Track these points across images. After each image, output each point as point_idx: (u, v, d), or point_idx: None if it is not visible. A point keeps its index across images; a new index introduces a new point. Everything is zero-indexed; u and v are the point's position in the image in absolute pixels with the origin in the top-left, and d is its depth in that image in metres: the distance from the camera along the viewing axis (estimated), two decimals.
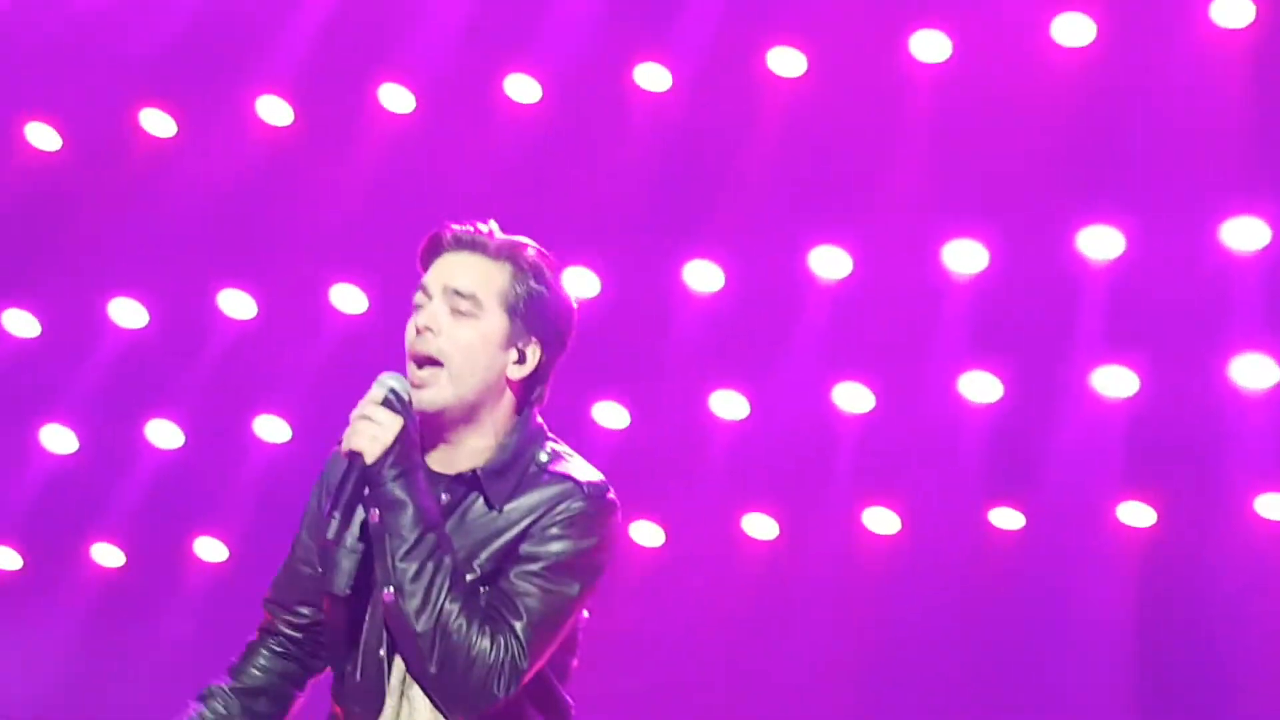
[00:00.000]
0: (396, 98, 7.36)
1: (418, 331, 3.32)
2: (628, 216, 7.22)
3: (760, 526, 7.27)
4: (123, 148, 7.64)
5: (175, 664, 7.41)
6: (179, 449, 7.78)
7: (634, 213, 7.21)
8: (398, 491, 3.21)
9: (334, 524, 3.23)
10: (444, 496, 3.33)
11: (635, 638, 7.13)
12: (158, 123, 7.61)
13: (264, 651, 3.63)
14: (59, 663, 7.79)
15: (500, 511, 3.32)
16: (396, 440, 3.21)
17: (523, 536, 3.31)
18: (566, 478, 3.36)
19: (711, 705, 7.27)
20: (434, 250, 3.40)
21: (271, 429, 7.72)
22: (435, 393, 3.29)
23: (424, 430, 3.33)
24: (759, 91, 7.04)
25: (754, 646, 7.23)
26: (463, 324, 3.29)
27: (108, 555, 7.90)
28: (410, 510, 3.21)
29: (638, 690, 7.10)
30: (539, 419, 3.46)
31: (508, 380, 3.33)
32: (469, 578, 3.28)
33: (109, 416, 7.80)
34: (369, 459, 3.20)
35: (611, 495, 3.39)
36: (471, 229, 3.37)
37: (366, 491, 3.24)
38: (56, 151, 7.66)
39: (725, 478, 7.23)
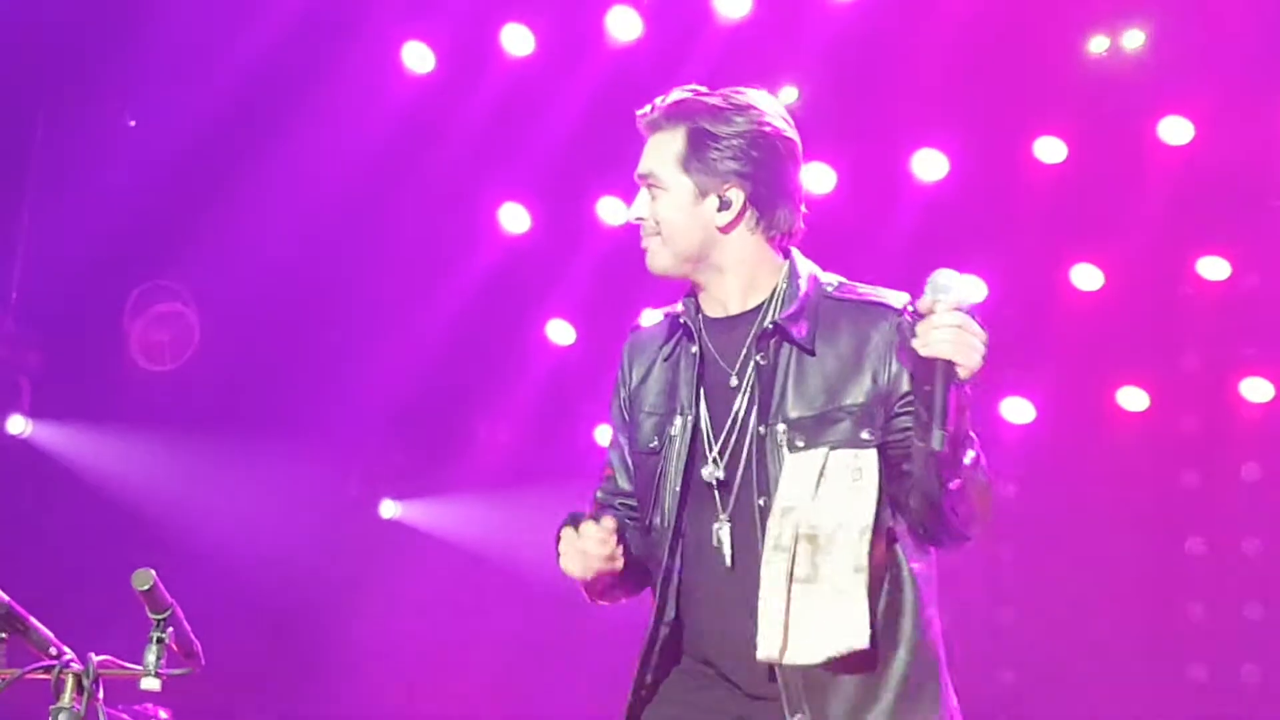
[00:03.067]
0: None
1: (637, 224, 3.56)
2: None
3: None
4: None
5: None
6: None
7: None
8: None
9: (938, 435, 3.16)
10: (759, 359, 3.40)
11: None
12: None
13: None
14: None
15: (815, 354, 3.40)
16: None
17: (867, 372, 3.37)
18: (873, 302, 3.44)
19: None
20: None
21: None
22: (654, 259, 3.54)
23: (689, 293, 3.54)
24: None
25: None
26: (656, 201, 3.51)
27: None
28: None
29: None
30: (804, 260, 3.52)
31: (723, 228, 3.44)
32: (841, 425, 3.33)
33: None
34: (968, 374, 3.19)
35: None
36: (647, 110, 3.54)
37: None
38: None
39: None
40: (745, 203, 3.45)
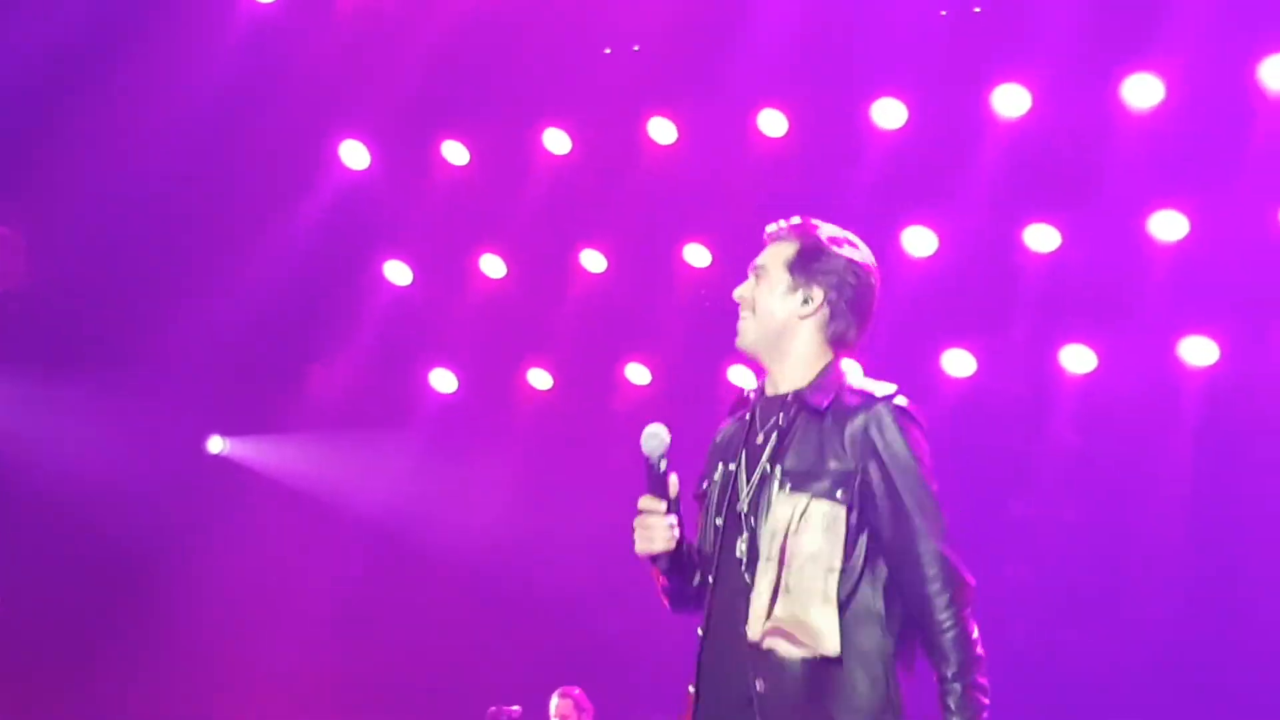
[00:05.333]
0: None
1: (739, 301, 4.33)
2: None
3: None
4: None
5: None
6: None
7: None
8: None
9: None
10: (780, 416, 4.20)
11: None
12: None
13: None
14: None
15: (822, 424, 4.15)
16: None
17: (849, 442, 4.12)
18: (864, 392, 4.15)
19: None
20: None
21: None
22: (744, 334, 4.29)
23: (757, 366, 4.33)
24: None
25: None
26: (759, 285, 4.28)
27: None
28: None
29: None
30: (849, 361, 4.25)
31: (800, 318, 4.24)
32: (822, 483, 4.10)
33: None
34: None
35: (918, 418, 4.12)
36: (776, 227, 4.34)
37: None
38: None
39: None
40: (823, 302, 4.23)
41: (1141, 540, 7.93)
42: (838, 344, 4.22)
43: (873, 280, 4.28)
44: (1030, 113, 7.64)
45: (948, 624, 4.00)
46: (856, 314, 4.25)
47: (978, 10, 7.57)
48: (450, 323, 9.27)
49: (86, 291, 9.02)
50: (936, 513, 4.01)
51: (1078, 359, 8.03)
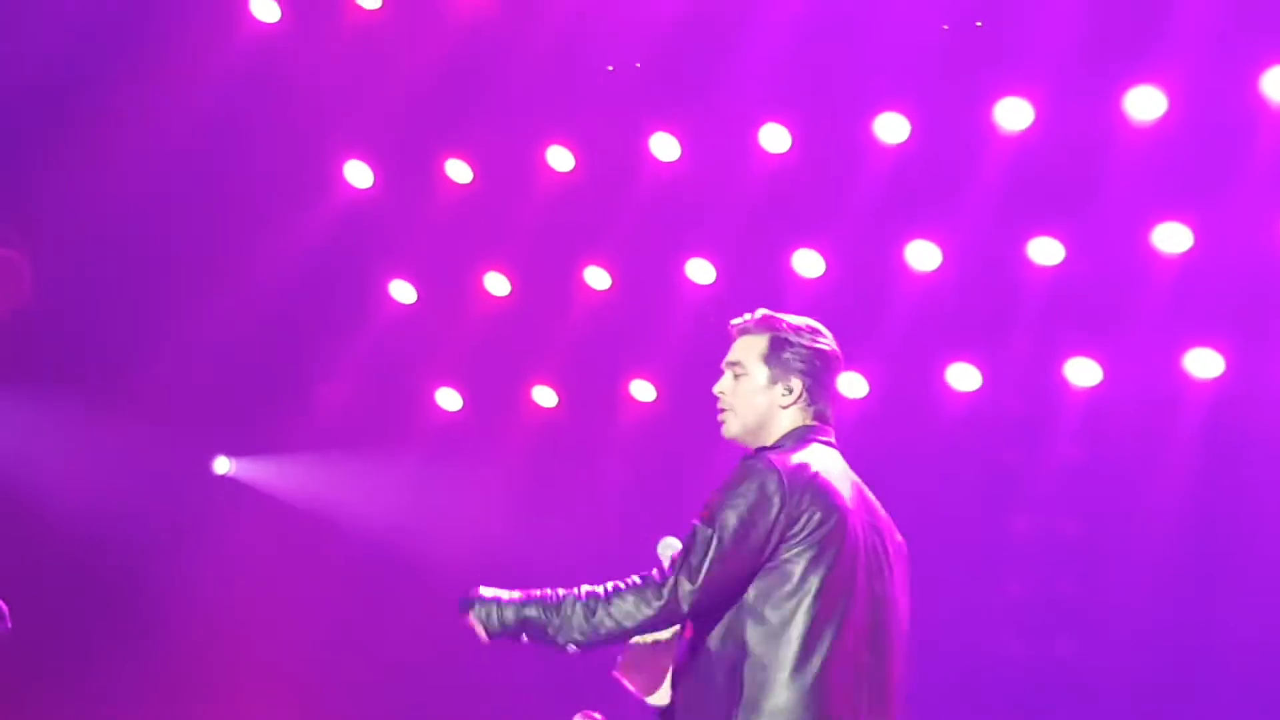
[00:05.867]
0: None
1: (719, 396, 4.70)
2: None
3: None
4: None
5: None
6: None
7: None
8: None
9: None
10: None
11: None
12: None
13: None
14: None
15: None
16: None
17: None
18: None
19: None
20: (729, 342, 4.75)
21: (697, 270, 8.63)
22: (727, 428, 4.67)
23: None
24: None
25: None
26: (738, 382, 4.66)
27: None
28: None
29: None
30: (808, 425, 4.65)
31: (782, 408, 4.63)
32: None
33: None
34: None
35: (762, 465, 4.44)
36: (741, 320, 4.69)
37: None
38: None
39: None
40: (802, 390, 4.62)
41: (1146, 554, 7.90)
42: (819, 419, 4.65)
43: (838, 361, 4.73)
44: (1033, 126, 7.64)
45: None
46: (827, 392, 4.69)
47: (979, 24, 7.57)
48: (455, 341, 9.27)
49: (89, 311, 9.02)
50: None
51: (1082, 372, 8.02)
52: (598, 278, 8.88)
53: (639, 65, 8.12)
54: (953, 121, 7.76)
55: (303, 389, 9.55)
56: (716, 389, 4.67)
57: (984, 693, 8.08)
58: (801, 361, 4.62)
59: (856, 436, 8.05)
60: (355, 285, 9.24)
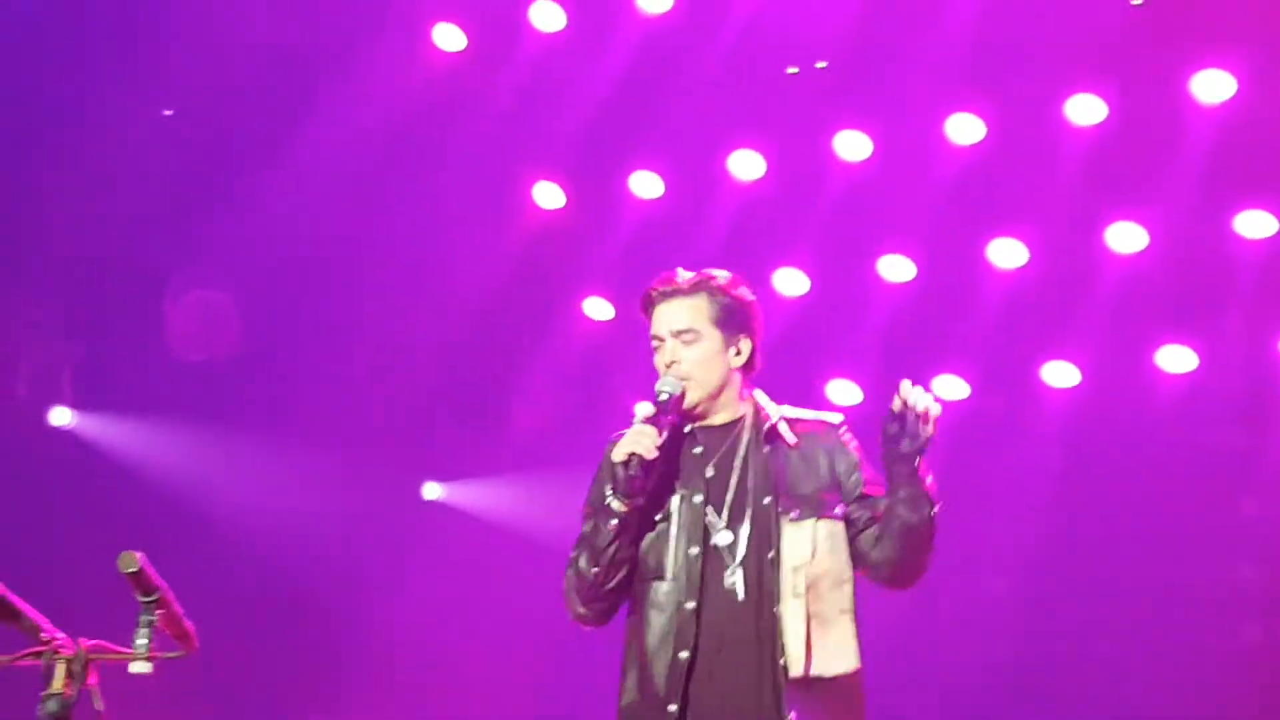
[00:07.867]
0: None
1: (667, 366, 4.55)
2: None
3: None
4: None
5: None
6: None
7: None
8: None
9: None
10: (736, 448, 4.52)
11: None
12: None
13: None
14: None
15: (801, 453, 4.55)
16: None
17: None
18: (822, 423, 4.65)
19: None
20: (647, 307, 4.63)
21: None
22: (691, 397, 4.54)
23: (696, 409, 4.59)
24: None
25: None
26: (690, 349, 4.52)
27: None
28: None
29: None
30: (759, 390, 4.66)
31: (734, 370, 4.56)
32: (821, 504, 4.50)
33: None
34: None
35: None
36: (665, 282, 4.57)
37: None
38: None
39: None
40: (752, 349, 4.58)
41: None
42: (749, 373, 4.62)
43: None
44: (1234, 98, 7.41)
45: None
46: (763, 348, 4.66)
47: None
48: (651, 355, 9.23)
49: (297, 348, 9.17)
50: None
51: None
52: (793, 281, 8.78)
53: (822, 65, 8.03)
54: (1148, 98, 7.56)
55: (503, 412, 9.61)
56: (665, 360, 4.54)
57: (1215, 680, 7.83)
58: (750, 319, 4.56)
59: (1074, 425, 8.01)
60: (551, 306, 9.26)
